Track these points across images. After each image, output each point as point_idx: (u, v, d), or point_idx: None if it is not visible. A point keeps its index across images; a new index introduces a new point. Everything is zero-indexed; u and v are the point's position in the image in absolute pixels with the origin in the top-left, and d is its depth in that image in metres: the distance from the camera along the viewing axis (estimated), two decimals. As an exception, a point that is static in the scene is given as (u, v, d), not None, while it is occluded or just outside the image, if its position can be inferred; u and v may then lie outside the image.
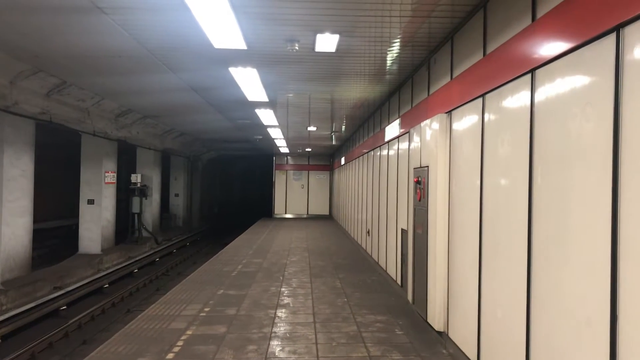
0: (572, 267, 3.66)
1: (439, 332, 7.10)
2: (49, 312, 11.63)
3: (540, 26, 4.22)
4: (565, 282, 3.74)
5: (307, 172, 32.44)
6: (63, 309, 12.02)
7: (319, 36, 7.18)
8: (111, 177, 17.45)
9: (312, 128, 18.16)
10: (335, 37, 7.26)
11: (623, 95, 3.13)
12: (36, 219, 13.45)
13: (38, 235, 16.07)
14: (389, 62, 8.86)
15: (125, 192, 21.82)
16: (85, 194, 16.86)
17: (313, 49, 7.80)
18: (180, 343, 6.90)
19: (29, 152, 12.34)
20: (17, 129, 11.79)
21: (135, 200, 20.94)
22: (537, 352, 4.18)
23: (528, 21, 4.52)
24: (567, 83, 3.78)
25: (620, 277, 3.11)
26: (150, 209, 22.22)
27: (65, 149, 20.16)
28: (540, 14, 4.30)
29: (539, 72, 4.26)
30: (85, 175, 16.89)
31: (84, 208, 16.84)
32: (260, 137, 21.94)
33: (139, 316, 8.33)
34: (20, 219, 12.09)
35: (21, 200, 12.07)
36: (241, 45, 7.51)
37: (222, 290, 10.20)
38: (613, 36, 3.23)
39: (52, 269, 13.92)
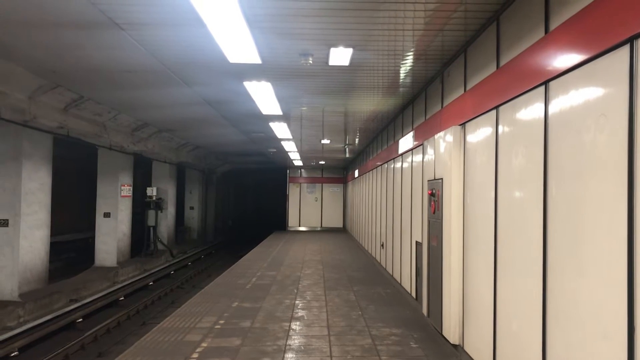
0: (588, 280, 3.64)
1: (454, 345, 7.05)
2: (66, 325, 11.71)
3: (553, 38, 4.23)
4: (581, 295, 3.72)
5: (320, 185, 32.47)
6: (79, 322, 12.09)
7: (332, 50, 7.25)
8: (127, 190, 17.61)
9: (325, 141, 18.22)
10: (349, 51, 7.32)
11: (637, 106, 3.13)
12: (53, 232, 13.61)
13: (55, 248, 16.24)
14: (402, 75, 8.90)
15: (141, 205, 21.99)
16: (101, 207, 17.03)
17: (327, 62, 7.86)
18: (195, 355, 6.92)
19: (47, 166, 12.51)
20: (35, 143, 11.98)
21: (151, 214, 21.10)
22: (554, 365, 4.15)
23: (541, 33, 4.54)
24: (581, 95, 3.79)
25: (637, 289, 3.09)
26: (165, 222, 22.36)
27: (81, 163, 20.42)
28: (553, 26, 4.32)
29: (552, 84, 4.27)
30: (102, 188, 17.07)
31: (100, 221, 17.00)
32: (274, 150, 22.05)
33: (154, 329, 8.37)
34: (38, 231, 12.23)
35: (39, 213, 12.23)
36: (256, 59, 7.60)
37: (236, 303, 10.22)
38: (627, 48, 3.24)
39: (68, 282, 14.05)
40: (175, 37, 6.91)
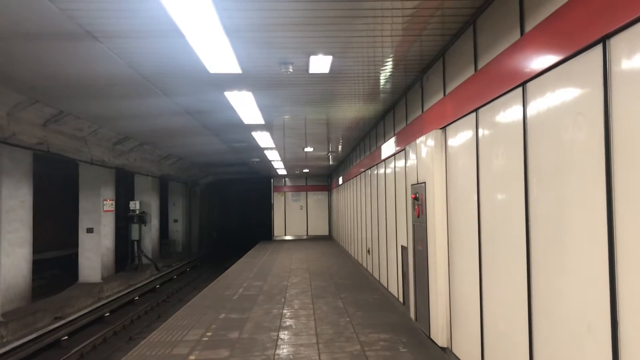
0: (571, 276, 3.68)
1: (443, 348, 7.07)
2: (51, 343, 11.53)
3: (529, 40, 4.30)
4: (565, 291, 3.76)
5: (305, 193, 32.46)
6: (64, 339, 11.92)
7: (312, 58, 7.28)
8: (110, 205, 17.44)
9: (309, 149, 18.24)
10: (329, 59, 7.35)
11: (612, 104, 3.19)
12: (35, 250, 13.41)
13: (38, 266, 15.99)
14: (382, 81, 8.96)
15: (124, 220, 21.76)
16: (84, 222, 16.83)
17: (307, 70, 7.89)
18: (183, 368, 6.87)
19: (28, 183, 12.35)
20: (15, 160, 11.82)
21: (134, 228, 20.91)
22: (541, 363, 4.18)
23: (517, 36, 4.61)
24: (558, 95, 3.85)
25: (618, 283, 3.14)
26: (149, 236, 22.17)
27: (63, 179, 20.19)
28: (528, 28, 4.38)
29: (529, 85, 4.33)
30: (84, 203, 16.87)
31: (83, 237, 16.79)
32: (258, 159, 22.01)
33: (141, 343, 8.28)
34: (20, 249, 12.05)
35: (20, 230, 12.05)
36: (236, 69, 7.60)
37: (224, 314, 10.16)
38: (600, 47, 3.30)
39: (52, 299, 13.84)
40: (153, 48, 6.88)
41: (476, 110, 5.68)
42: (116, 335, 13.08)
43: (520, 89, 4.50)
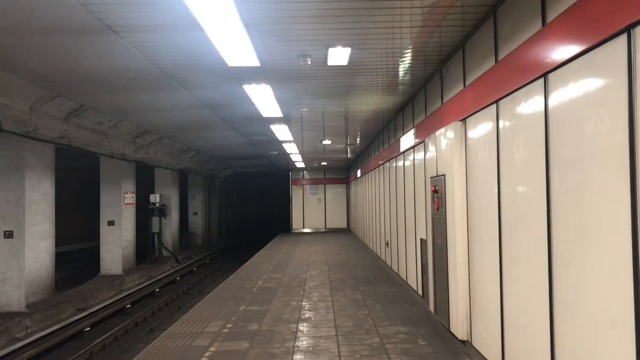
0: (593, 270, 3.64)
1: (462, 341, 7.05)
2: (73, 334, 11.73)
3: (550, 30, 4.23)
4: (587, 285, 3.72)
5: (323, 186, 32.47)
6: (87, 331, 12.11)
7: (330, 50, 7.25)
8: (130, 198, 17.63)
9: (327, 142, 18.23)
10: (347, 51, 7.32)
11: (636, 95, 3.13)
12: (58, 242, 13.62)
13: (60, 258, 16.25)
14: (401, 73, 8.91)
15: (145, 213, 22.00)
16: (105, 215, 17.05)
17: (325, 63, 7.87)
18: (203, 360, 6.94)
19: (50, 176, 12.53)
20: (38, 154, 12.00)
21: (155, 220, 21.12)
22: (563, 357, 4.14)
23: (538, 26, 4.54)
24: (580, 85, 3.79)
25: (643, 277, 3.09)
26: (169, 228, 22.37)
27: (84, 172, 20.46)
28: (550, 18, 4.32)
29: (551, 76, 4.27)
30: (105, 197, 17.09)
31: (104, 230, 17.02)
32: (276, 152, 22.06)
33: (162, 335, 8.38)
34: (43, 242, 12.25)
35: (43, 224, 12.25)
36: (254, 62, 7.60)
37: (243, 307, 10.23)
38: (624, 37, 3.24)
39: (74, 291, 14.06)
40: (172, 41, 6.91)
41: (497, 101, 5.62)
42: (137, 326, 13.25)
43: (541, 80, 4.44)
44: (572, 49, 3.83)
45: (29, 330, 10.69)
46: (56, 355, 10.61)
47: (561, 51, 4.02)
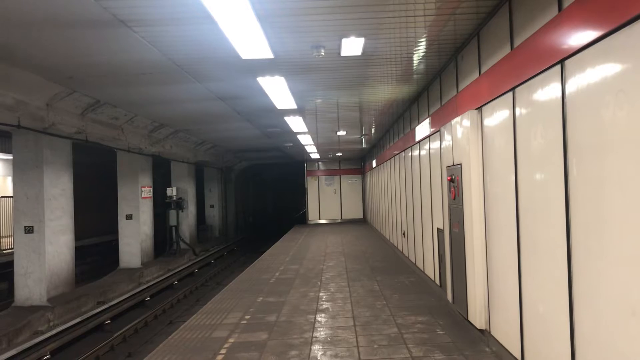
0: (613, 258, 3.60)
1: (481, 330, 7.03)
2: (94, 327, 11.90)
3: (567, 16, 4.17)
4: (607, 273, 3.68)
5: (338, 176, 32.43)
6: (107, 323, 12.28)
7: (344, 40, 7.22)
8: (147, 191, 17.79)
9: (341, 132, 18.20)
10: (361, 41, 7.29)
11: (657, 80, 3.08)
12: (77, 236, 13.80)
13: (79, 252, 16.47)
14: (415, 62, 8.84)
15: (162, 206, 22.20)
16: (123, 209, 17.24)
17: (339, 53, 7.84)
18: (223, 351, 7.00)
19: (68, 171, 12.68)
20: (55, 150, 12.15)
21: (172, 213, 21.30)
22: (583, 345, 4.11)
23: (554, 12, 4.48)
24: (598, 71, 3.73)
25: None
26: (186, 221, 22.56)
27: (101, 167, 20.65)
28: (566, 3, 4.25)
29: (568, 63, 4.21)
30: (122, 191, 17.27)
31: (122, 223, 17.21)
32: (291, 144, 22.08)
33: (181, 327, 8.46)
34: (62, 236, 12.42)
35: (62, 218, 12.42)
36: (268, 54, 7.60)
37: (261, 298, 10.29)
38: (643, 21, 3.19)
39: (94, 285, 14.26)
40: (185, 35, 6.92)
41: (513, 89, 5.56)
42: (157, 319, 13.41)
43: (558, 67, 4.38)
44: (590, 35, 3.77)
45: (51, 324, 10.87)
46: (78, 347, 10.77)
47: (578, 37, 3.96)
